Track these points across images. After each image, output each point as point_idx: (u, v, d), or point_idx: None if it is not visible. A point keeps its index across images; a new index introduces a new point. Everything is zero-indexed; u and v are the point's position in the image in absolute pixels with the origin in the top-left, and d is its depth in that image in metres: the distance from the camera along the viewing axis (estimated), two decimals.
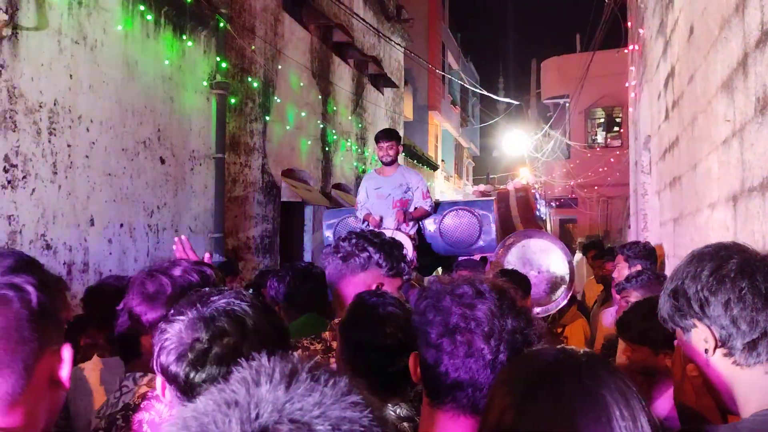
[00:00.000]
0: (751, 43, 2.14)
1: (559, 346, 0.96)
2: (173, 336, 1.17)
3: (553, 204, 22.93)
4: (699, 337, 1.21)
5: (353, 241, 1.88)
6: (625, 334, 2.33)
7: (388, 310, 1.59)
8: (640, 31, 5.49)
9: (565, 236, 21.83)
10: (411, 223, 4.68)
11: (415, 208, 4.75)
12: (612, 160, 17.36)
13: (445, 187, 24.21)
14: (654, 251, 3.77)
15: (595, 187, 19.27)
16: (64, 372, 1.04)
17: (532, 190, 24.23)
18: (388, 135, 4.75)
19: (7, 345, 0.95)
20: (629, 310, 2.41)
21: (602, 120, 21.10)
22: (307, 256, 9.55)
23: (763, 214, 2.03)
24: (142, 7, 5.66)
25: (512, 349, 1.18)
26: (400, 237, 4.57)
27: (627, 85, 6.48)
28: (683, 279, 1.21)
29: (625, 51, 6.65)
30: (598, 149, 20.31)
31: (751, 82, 2.15)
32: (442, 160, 25.02)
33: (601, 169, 18.16)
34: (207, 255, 2.21)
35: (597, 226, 20.08)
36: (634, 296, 2.83)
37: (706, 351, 1.21)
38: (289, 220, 8.94)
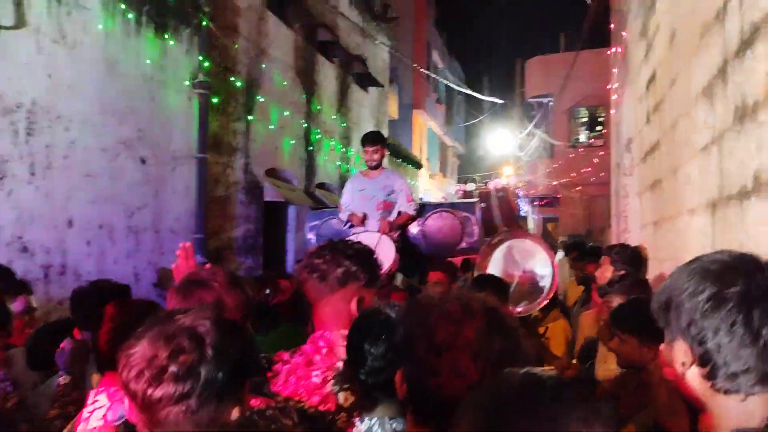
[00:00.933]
0: (731, 51, 2.15)
1: (525, 370, 0.94)
2: (136, 353, 1.16)
3: (535, 202, 23.07)
4: (679, 349, 1.21)
5: (327, 257, 1.84)
6: (617, 324, 2.41)
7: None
8: (623, 33, 5.52)
9: (547, 235, 21.98)
10: (396, 230, 4.68)
11: (399, 213, 4.75)
12: (595, 160, 17.48)
13: (429, 185, 24.25)
14: (641, 257, 3.78)
15: (578, 187, 19.41)
16: None
17: (514, 190, 24.36)
18: (373, 139, 4.75)
19: None
20: (626, 303, 2.49)
21: (585, 119, 21.24)
22: (290, 256, 9.51)
23: (740, 222, 2.04)
24: (123, 6, 5.58)
25: (498, 369, 1.16)
26: (384, 240, 4.57)
27: (609, 87, 6.52)
28: (681, 292, 1.17)
29: (608, 52, 6.70)
30: (581, 149, 20.46)
31: (730, 91, 2.16)
32: (427, 159, 25.05)
33: (583, 170, 18.30)
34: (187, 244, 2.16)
35: (580, 225, 20.22)
36: (617, 301, 2.86)
37: (683, 364, 1.21)
38: (272, 220, 8.88)
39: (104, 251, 5.41)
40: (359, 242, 1.96)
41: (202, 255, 6.70)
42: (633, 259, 3.67)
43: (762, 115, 1.85)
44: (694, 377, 1.18)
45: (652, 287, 3.70)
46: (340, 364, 1.80)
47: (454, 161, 33.42)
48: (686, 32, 2.91)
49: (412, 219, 4.96)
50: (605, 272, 3.72)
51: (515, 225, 25.25)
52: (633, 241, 4.97)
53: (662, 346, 1.29)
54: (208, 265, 2.07)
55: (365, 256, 1.88)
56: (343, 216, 4.85)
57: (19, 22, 4.57)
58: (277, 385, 1.81)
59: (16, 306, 2.69)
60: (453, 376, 1.16)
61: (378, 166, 4.82)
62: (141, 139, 5.90)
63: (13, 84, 4.53)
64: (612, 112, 6.60)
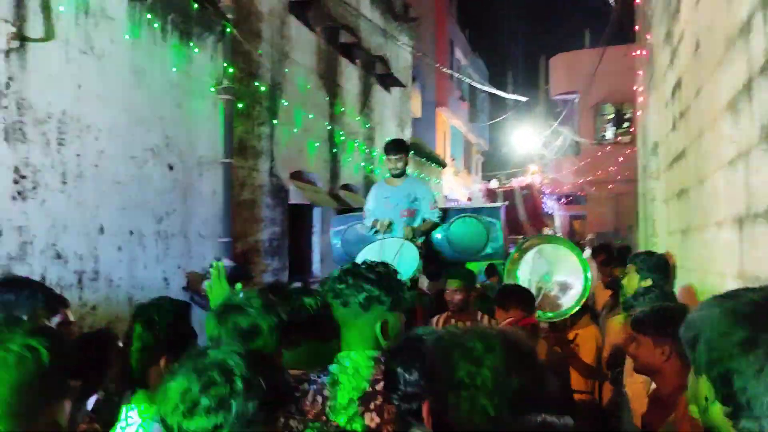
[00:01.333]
0: (756, 69, 2.13)
1: (540, 419, 0.96)
2: (171, 388, 1.21)
3: (562, 200, 22.86)
4: (704, 384, 1.22)
5: (350, 282, 1.87)
6: (634, 327, 2.45)
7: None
8: (647, 36, 5.45)
9: (573, 233, 21.75)
10: (420, 236, 4.70)
11: (423, 220, 4.77)
12: (621, 159, 17.24)
13: (454, 183, 24.18)
14: (667, 264, 3.74)
15: (607, 185, 19.16)
16: (63, 420, 1.32)
17: (540, 187, 24.21)
18: (396, 147, 4.76)
19: (21, 397, 1.30)
20: (648, 308, 2.51)
21: (612, 116, 20.98)
22: (316, 257, 9.59)
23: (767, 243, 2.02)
24: (149, 15, 5.68)
25: (516, 407, 1.19)
26: (408, 246, 4.59)
27: (635, 88, 6.44)
28: (711, 331, 1.17)
29: (633, 54, 6.62)
30: (607, 146, 20.20)
31: (756, 108, 2.14)
32: (452, 157, 24.97)
33: (610, 167, 18.07)
34: (220, 263, 2.22)
35: (607, 223, 20.00)
36: None
37: (706, 398, 1.22)
38: (297, 222, 8.97)
39: (135, 257, 5.53)
40: (383, 264, 1.98)
41: (229, 258, 6.80)
42: (659, 267, 3.63)
43: None
44: (717, 413, 1.19)
45: (678, 298, 3.67)
46: (365, 385, 1.83)
47: (478, 158, 33.26)
48: (710, 43, 2.87)
49: (436, 225, 4.97)
50: (631, 281, 3.70)
51: (541, 223, 25.08)
52: (660, 246, 4.92)
53: (689, 378, 1.30)
54: (242, 281, 2.11)
55: (388, 279, 1.90)
56: (368, 222, 4.88)
57: (48, 35, 4.69)
58: (305, 405, 1.85)
59: (55, 321, 2.77)
60: (472, 413, 1.19)
61: (401, 174, 4.83)
62: (168, 146, 6.00)
63: (43, 95, 4.64)
64: (638, 113, 6.52)
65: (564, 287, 4.67)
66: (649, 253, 3.90)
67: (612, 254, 6.38)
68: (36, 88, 4.58)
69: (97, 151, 5.13)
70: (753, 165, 2.19)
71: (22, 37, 4.46)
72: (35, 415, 1.31)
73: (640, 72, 6.20)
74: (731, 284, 2.51)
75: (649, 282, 3.48)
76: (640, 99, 6.20)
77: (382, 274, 1.90)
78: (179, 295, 6.00)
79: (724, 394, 1.15)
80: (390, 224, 4.73)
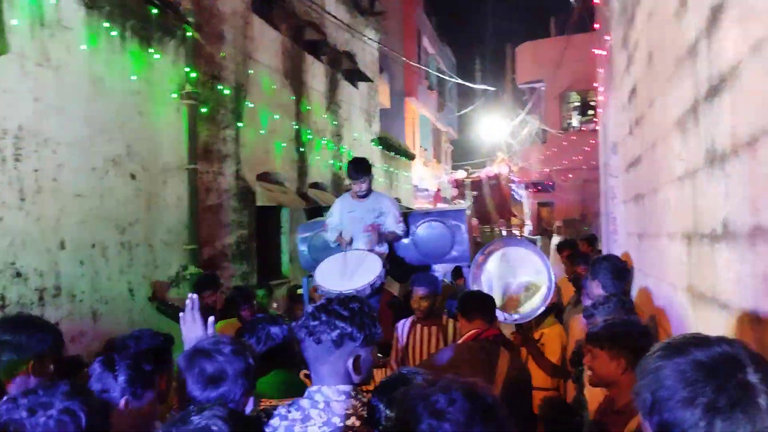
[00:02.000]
0: (702, 93, 2.19)
1: None
2: None
3: (530, 188, 23.15)
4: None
5: (323, 319, 1.90)
6: (589, 340, 2.50)
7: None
8: (607, 37, 5.53)
9: (540, 220, 22.06)
10: (384, 243, 4.73)
11: (389, 232, 4.79)
12: (587, 148, 17.50)
13: (424, 173, 24.27)
14: (625, 269, 3.82)
15: (570, 175, 19.45)
16: None
17: (507, 176, 24.26)
18: (358, 172, 4.69)
19: None
20: (603, 323, 2.55)
21: (577, 104, 21.24)
22: (285, 258, 9.56)
23: (712, 263, 2.09)
24: (106, 23, 5.57)
25: None
26: (371, 256, 4.62)
27: (595, 85, 6.54)
28: (656, 384, 1.24)
29: (594, 51, 6.71)
30: (573, 135, 20.47)
31: (702, 132, 2.20)
32: (421, 146, 25.03)
33: (576, 155, 18.33)
34: (194, 296, 2.22)
35: (574, 210, 20.31)
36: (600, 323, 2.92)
37: None
38: (265, 224, 8.92)
39: (98, 270, 5.45)
40: (356, 299, 2.00)
41: (196, 266, 6.76)
42: (617, 273, 3.70)
43: (728, 166, 1.89)
44: None
45: (636, 302, 3.77)
46: (337, 420, 1.86)
47: (447, 147, 33.38)
48: (662, 58, 2.93)
49: (400, 238, 5.01)
50: (591, 285, 3.78)
51: (509, 212, 25.41)
52: (620, 245, 5.03)
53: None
54: (210, 331, 2.11)
55: (361, 315, 1.92)
56: (330, 236, 4.90)
57: (2, 48, 4.57)
58: None
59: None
60: None
61: (367, 195, 4.82)
62: (130, 155, 5.91)
63: None
64: (599, 111, 6.63)
65: (529, 288, 4.75)
66: (607, 258, 3.97)
67: (577, 249, 6.50)
68: None
69: (55, 165, 5.03)
70: (699, 186, 2.25)
71: None
72: None
73: (601, 70, 6.29)
74: (681, 297, 2.59)
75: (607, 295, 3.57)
76: (601, 98, 6.30)
77: (354, 310, 1.92)
78: (145, 307, 5.95)
79: None
80: (351, 241, 4.75)
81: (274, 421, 1.91)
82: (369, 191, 4.77)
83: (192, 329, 2.14)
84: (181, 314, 2.17)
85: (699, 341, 1.28)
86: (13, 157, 4.64)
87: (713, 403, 1.16)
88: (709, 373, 1.19)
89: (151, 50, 6.20)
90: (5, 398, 1.63)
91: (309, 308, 2.00)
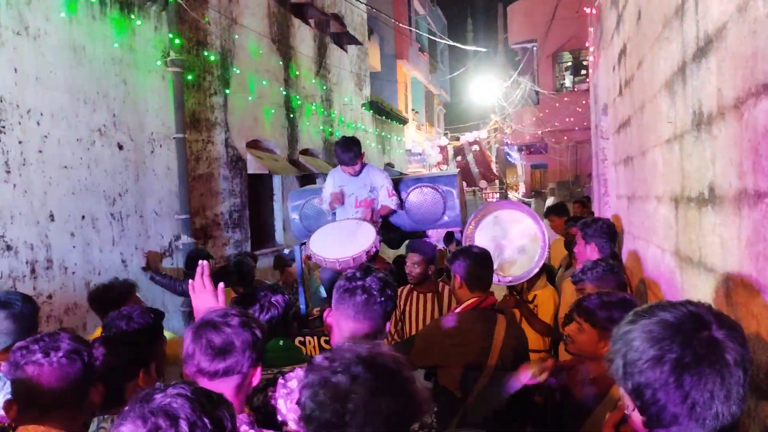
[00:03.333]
0: (689, 54, 2.15)
1: None
2: None
3: (523, 151, 23.10)
4: (624, 395, 1.31)
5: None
6: (581, 312, 2.44)
7: None
8: None
9: (534, 183, 22.10)
10: (379, 219, 4.70)
11: (381, 206, 4.75)
12: (579, 109, 17.39)
13: (417, 137, 24.11)
14: (613, 229, 3.83)
15: (564, 137, 19.38)
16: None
17: (501, 139, 24.09)
18: (348, 154, 4.53)
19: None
20: (597, 296, 2.48)
21: (570, 63, 21.01)
22: (279, 225, 9.55)
23: (699, 227, 2.09)
24: None
25: (390, 429, 1.25)
26: (366, 224, 4.59)
27: (587, 45, 6.44)
28: (626, 347, 1.26)
29: (584, 10, 6.59)
30: (565, 96, 20.31)
31: (689, 93, 2.17)
32: (413, 110, 24.81)
33: (568, 119, 18.23)
34: (204, 262, 2.19)
35: (567, 171, 20.32)
36: (589, 288, 2.93)
37: (628, 407, 1.31)
38: (257, 191, 8.89)
39: (89, 242, 5.43)
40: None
41: (188, 235, 6.74)
42: (603, 232, 3.69)
43: (715, 129, 1.87)
44: (637, 419, 1.29)
45: (625, 264, 3.79)
46: None
47: (440, 110, 33.11)
48: (650, 17, 2.88)
49: (393, 212, 4.98)
50: (580, 247, 3.79)
51: (491, 174, 25.34)
52: (611, 208, 5.04)
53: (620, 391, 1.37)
54: (221, 297, 2.10)
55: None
56: (326, 206, 4.84)
57: None
58: (278, 413, 1.92)
59: None
60: None
61: (359, 172, 4.73)
62: (116, 125, 5.83)
63: None
64: (590, 71, 6.55)
65: (522, 250, 4.76)
66: (595, 220, 3.97)
67: (568, 213, 6.50)
68: None
69: (40, 136, 4.96)
70: (686, 149, 2.24)
71: None
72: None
73: (592, 29, 6.20)
74: (669, 260, 2.60)
75: (594, 248, 3.58)
76: (591, 58, 6.22)
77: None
78: (138, 276, 5.95)
79: (638, 405, 1.24)
80: (343, 196, 4.67)
81: (292, 383, 1.94)
82: (361, 170, 4.69)
83: (203, 298, 2.10)
84: (189, 282, 2.14)
85: (665, 305, 1.31)
86: None
87: (680, 360, 1.18)
88: (675, 331, 1.21)
89: (132, 16, 6.06)
90: (17, 346, 1.93)
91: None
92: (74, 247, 5.27)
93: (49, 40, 5.08)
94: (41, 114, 4.97)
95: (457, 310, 3.06)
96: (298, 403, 1.35)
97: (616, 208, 4.66)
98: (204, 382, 1.71)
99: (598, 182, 6.12)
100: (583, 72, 20.42)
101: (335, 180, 4.78)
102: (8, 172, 4.67)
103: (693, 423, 1.19)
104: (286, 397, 1.94)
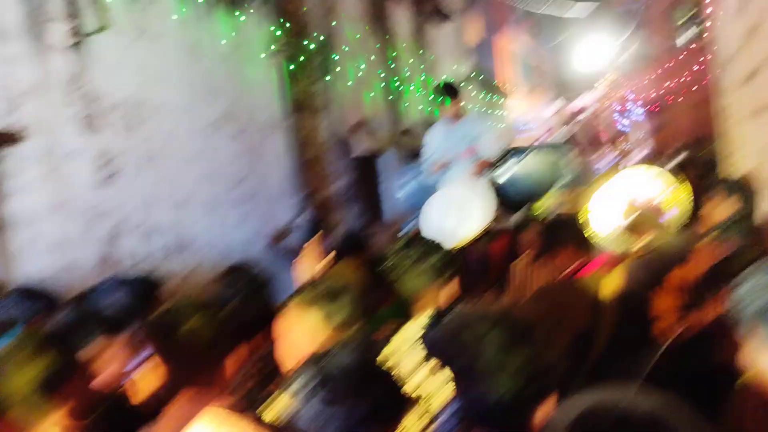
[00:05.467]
0: None
1: None
2: None
3: (640, 113, 21.83)
4: None
5: None
6: None
7: None
8: None
9: (653, 145, 20.85)
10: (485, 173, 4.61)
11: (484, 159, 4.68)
12: (695, 67, 16.11)
13: (521, 108, 23.45)
14: (750, 187, 3.56)
15: (687, 94, 18.03)
16: None
17: (611, 103, 23.01)
18: (448, 95, 4.61)
19: None
20: None
21: (685, 19, 19.47)
22: (386, 205, 9.71)
23: None
24: None
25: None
26: (476, 197, 4.50)
27: None
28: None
29: None
30: (681, 53, 18.86)
31: None
32: (516, 81, 24.11)
33: (685, 75, 16.96)
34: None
35: (687, 133, 18.95)
36: None
37: None
38: (363, 173, 9.07)
39: (215, 226, 5.82)
40: None
41: (304, 216, 7.04)
42: (743, 189, 3.46)
43: None
44: None
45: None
46: None
47: (544, 80, 31.94)
48: None
49: (495, 163, 4.88)
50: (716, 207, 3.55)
51: (597, 140, 24.03)
52: (740, 167, 4.66)
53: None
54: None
55: None
56: (426, 166, 4.84)
57: (102, 26, 4.85)
58: None
59: None
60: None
61: (459, 118, 4.73)
62: (229, 117, 6.18)
63: (107, 85, 4.86)
64: (708, 25, 6.06)
65: (655, 209, 4.47)
66: (732, 178, 3.70)
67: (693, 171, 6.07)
68: (99, 79, 4.78)
69: (165, 132, 5.36)
70: None
71: (78, 33, 4.65)
72: None
73: None
74: None
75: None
76: (710, 9, 5.75)
77: None
78: (263, 257, 6.27)
79: None
80: (447, 164, 4.65)
81: None
82: (461, 115, 4.67)
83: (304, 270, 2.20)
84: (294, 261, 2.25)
85: None
86: (125, 127, 4.99)
87: None
88: None
89: (236, 13, 6.36)
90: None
91: None
92: (203, 231, 5.65)
93: (166, 42, 5.45)
94: (164, 111, 5.36)
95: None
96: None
97: (745, 165, 4.31)
98: None
99: (723, 141, 5.68)
100: (700, 27, 18.86)
101: (438, 132, 4.75)
102: (139, 165, 5.09)
103: None
104: None
